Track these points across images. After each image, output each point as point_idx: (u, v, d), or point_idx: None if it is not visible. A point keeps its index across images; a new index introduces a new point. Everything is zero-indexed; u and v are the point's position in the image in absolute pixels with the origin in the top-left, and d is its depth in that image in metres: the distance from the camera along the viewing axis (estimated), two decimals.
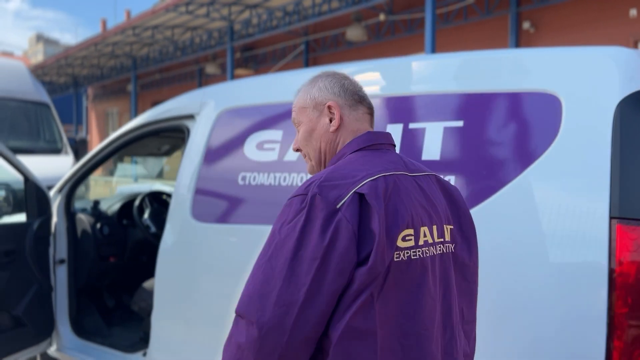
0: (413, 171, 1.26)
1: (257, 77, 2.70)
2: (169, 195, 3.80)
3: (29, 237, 3.06)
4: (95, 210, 3.60)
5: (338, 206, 1.10)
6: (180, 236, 2.58)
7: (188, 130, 2.80)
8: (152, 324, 2.68)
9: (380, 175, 1.17)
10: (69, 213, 3.42)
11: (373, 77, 2.22)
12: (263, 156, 2.37)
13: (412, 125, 1.96)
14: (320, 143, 1.34)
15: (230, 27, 13.46)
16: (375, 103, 1.71)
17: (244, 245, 2.31)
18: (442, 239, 1.24)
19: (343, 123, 1.33)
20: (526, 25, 10.18)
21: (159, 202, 3.70)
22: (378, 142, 1.30)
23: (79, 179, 3.34)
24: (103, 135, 24.75)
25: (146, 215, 3.52)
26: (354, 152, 1.28)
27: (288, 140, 2.31)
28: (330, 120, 1.33)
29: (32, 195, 3.12)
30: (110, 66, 20.20)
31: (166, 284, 2.63)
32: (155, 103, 22.68)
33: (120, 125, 24.10)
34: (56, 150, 6.96)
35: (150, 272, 3.13)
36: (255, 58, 16.64)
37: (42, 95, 7.39)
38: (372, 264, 1.08)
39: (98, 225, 3.48)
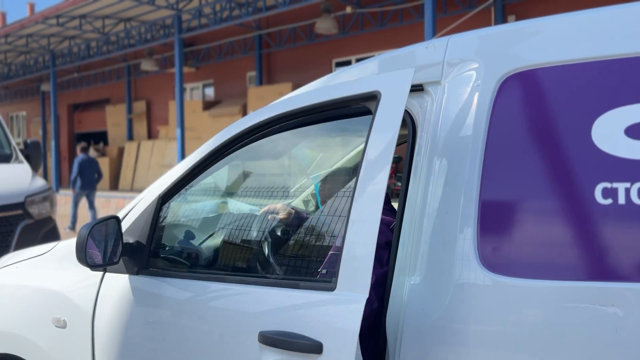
0: None
1: (574, 13, 1.59)
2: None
3: None
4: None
5: None
6: (455, 299, 1.43)
7: (411, 118, 1.65)
8: None
9: None
10: None
11: None
12: None
13: None
14: None
15: (178, 16, 11.91)
16: None
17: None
18: None
19: None
20: (511, 19, 9.73)
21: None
22: None
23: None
24: None
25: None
26: None
27: None
28: None
29: None
30: (20, 62, 17.61)
31: None
32: (71, 106, 20.11)
33: (29, 132, 21.21)
34: (5, 158, 5.25)
35: None
36: (196, 54, 15.08)
37: None
38: None
39: None
